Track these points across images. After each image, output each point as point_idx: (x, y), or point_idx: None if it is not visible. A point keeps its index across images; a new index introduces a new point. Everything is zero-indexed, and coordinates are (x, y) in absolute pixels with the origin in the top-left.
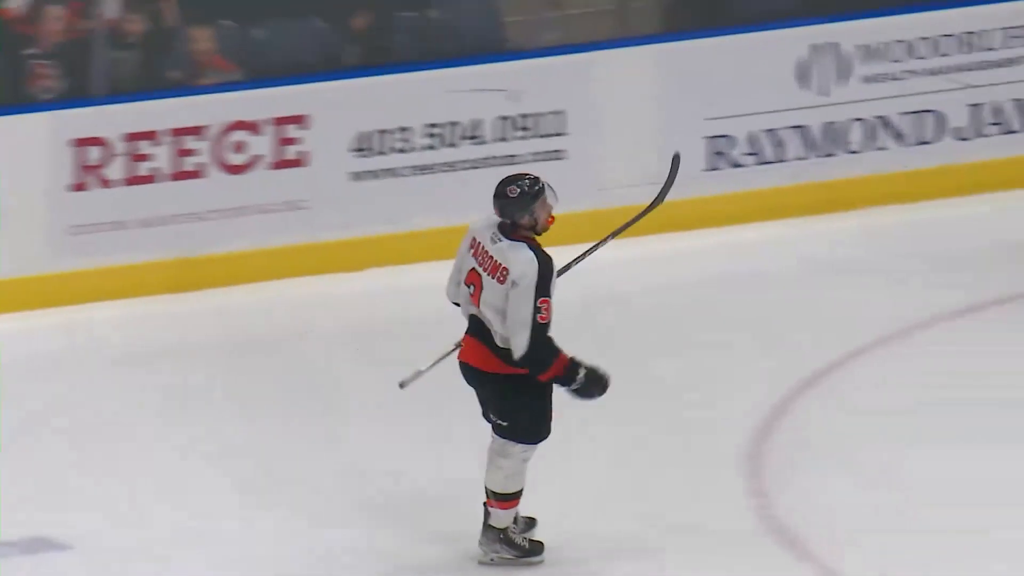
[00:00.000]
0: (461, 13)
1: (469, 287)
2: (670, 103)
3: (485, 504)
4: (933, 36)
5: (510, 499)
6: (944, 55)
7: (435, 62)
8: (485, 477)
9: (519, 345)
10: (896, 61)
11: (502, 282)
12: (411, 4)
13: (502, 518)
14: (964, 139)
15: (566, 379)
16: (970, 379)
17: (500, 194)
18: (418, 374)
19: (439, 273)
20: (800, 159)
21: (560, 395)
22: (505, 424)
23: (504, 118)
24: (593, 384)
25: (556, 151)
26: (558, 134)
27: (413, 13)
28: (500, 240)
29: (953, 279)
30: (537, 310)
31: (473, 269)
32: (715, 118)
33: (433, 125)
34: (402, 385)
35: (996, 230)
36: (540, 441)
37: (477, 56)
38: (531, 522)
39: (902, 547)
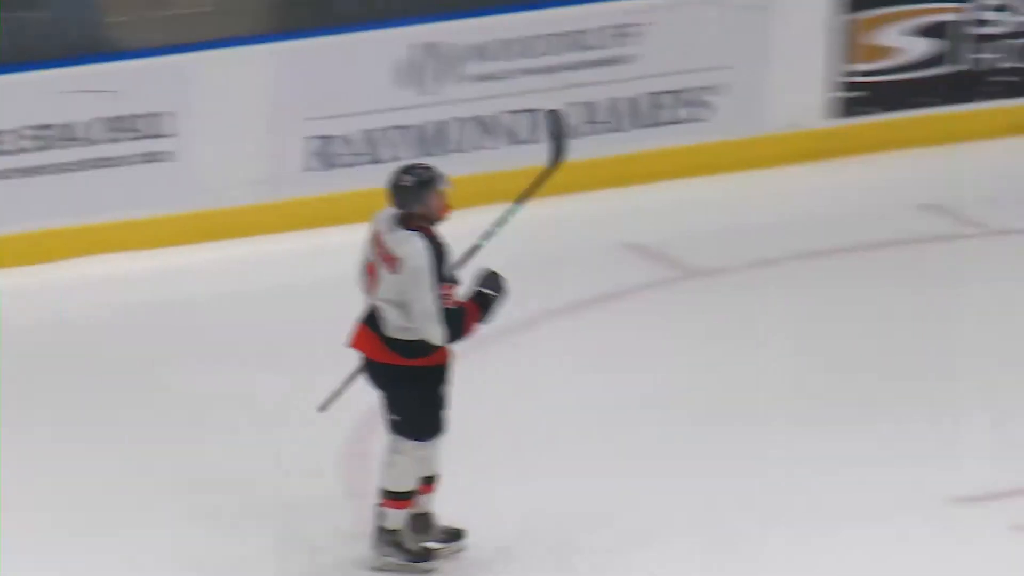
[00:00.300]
0: (61, 13)
1: (368, 276)
2: (276, 103)
3: (377, 506)
4: (538, 35)
5: (402, 499)
6: (549, 54)
7: (35, 63)
8: (379, 475)
9: (435, 335)
10: (502, 60)
11: (394, 271)
12: (9, 4)
13: (394, 519)
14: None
15: (486, 316)
16: (577, 377)
17: (394, 184)
18: (334, 395)
19: (38, 276)
20: (407, 159)
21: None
22: (396, 419)
23: (106, 120)
24: (497, 288)
25: (160, 152)
26: (163, 135)
27: (10, 13)
28: (395, 230)
29: (558, 277)
30: (439, 297)
31: (371, 260)
32: (321, 118)
33: (34, 127)
34: (322, 408)
35: (601, 229)
36: (431, 438)
37: (78, 57)
38: (457, 534)
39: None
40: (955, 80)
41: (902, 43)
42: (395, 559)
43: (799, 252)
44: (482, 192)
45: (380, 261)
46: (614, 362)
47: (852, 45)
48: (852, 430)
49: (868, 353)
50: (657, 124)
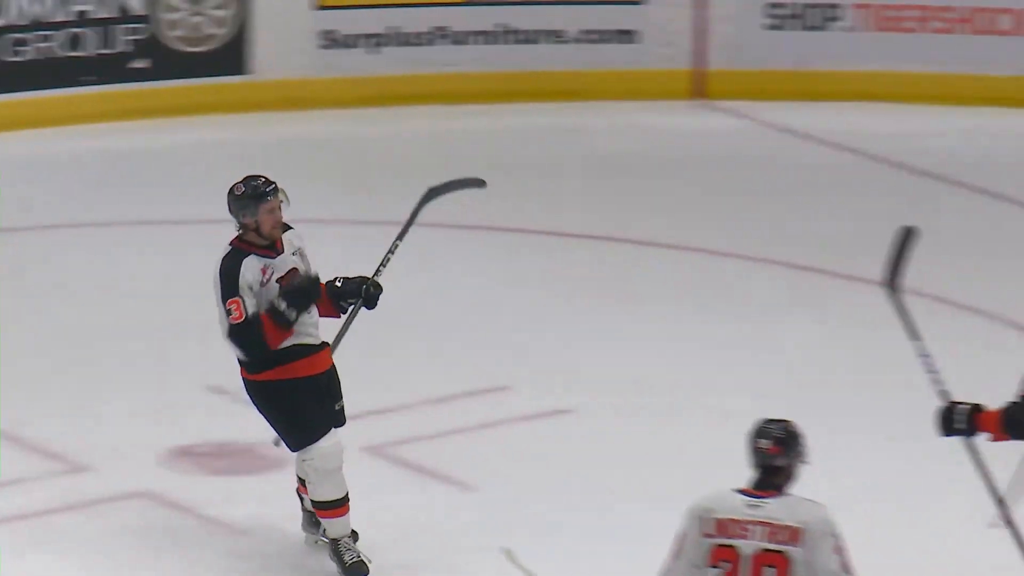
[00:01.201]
0: None
1: None
2: None
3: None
4: None
5: (329, 507)
6: None
7: None
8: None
9: (237, 352)
10: None
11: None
12: None
13: (332, 529)
14: None
15: (284, 323)
16: None
17: (230, 190)
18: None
19: None
20: None
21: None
22: (274, 433)
23: None
24: (297, 295)
25: None
26: None
27: None
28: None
29: None
30: (228, 312)
31: None
32: None
33: None
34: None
35: None
36: (309, 445)
37: None
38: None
39: None
40: None
41: None
42: (335, 565)
43: None
44: None
45: None
46: None
47: None
48: None
49: None
50: None
